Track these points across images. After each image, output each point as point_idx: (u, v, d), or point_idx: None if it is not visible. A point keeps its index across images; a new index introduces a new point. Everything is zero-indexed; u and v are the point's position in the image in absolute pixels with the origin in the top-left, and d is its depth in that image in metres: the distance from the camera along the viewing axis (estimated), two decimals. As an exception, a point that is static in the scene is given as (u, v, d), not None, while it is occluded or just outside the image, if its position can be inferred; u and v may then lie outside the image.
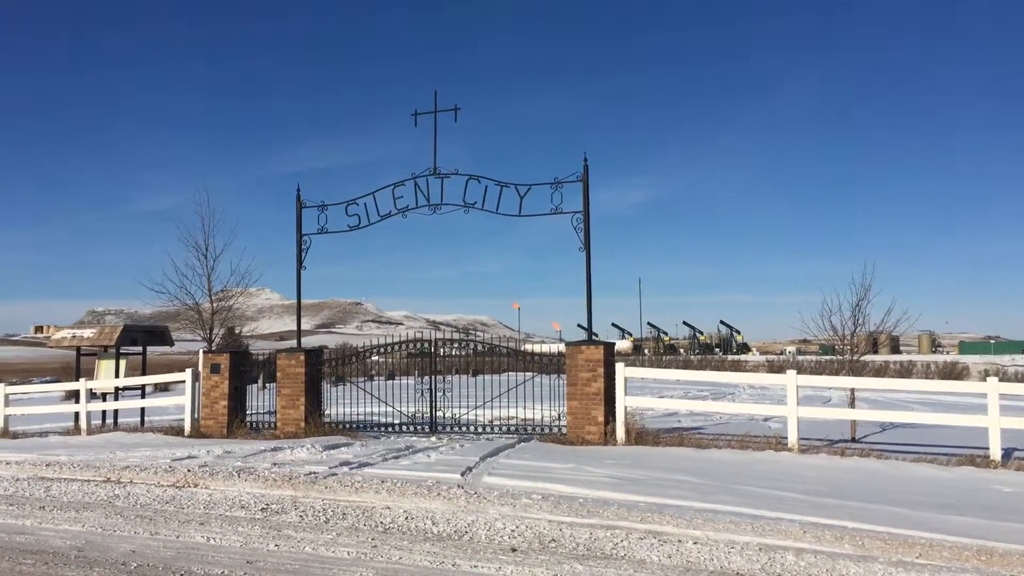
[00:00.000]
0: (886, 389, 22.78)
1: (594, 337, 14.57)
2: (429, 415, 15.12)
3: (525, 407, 15.28)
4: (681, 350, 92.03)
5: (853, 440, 13.73)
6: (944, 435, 13.67)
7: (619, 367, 13.48)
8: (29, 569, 6.63)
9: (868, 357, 21.74)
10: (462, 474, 10.18)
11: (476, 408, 15.10)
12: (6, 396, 19.49)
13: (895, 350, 71.49)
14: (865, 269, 14.89)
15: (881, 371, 34.74)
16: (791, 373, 12.65)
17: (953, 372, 39.89)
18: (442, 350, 15.89)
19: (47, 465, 12.01)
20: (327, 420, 15.69)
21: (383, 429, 15.50)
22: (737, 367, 46.27)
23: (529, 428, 14.77)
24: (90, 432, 17.26)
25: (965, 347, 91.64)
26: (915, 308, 15.23)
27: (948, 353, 78.98)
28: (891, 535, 7.05)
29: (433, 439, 14.18)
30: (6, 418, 18.96)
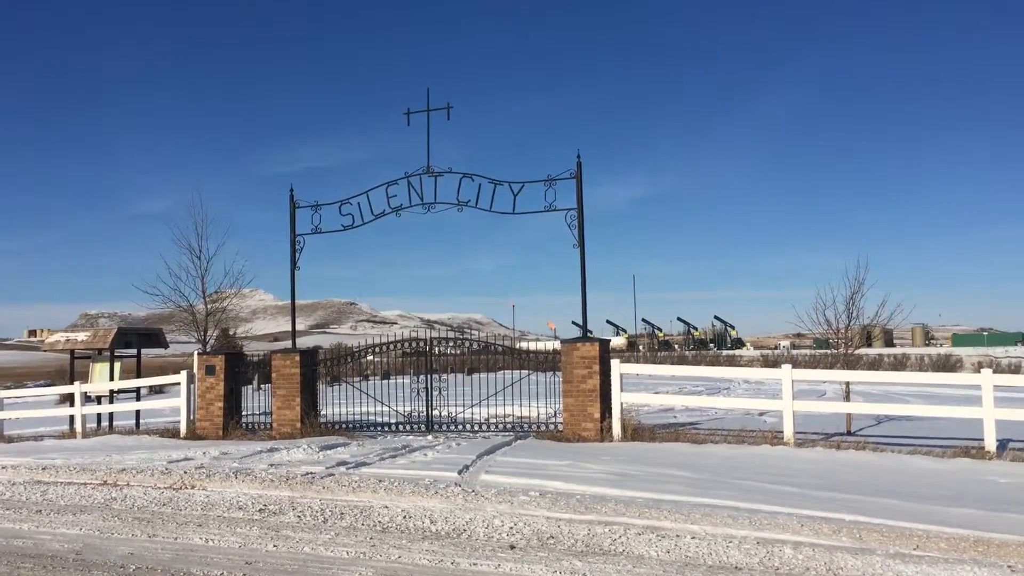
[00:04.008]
0: (881, 382, 22.86)
1: (589, 334, 14.56)
2: (425, 414, 15.11)
3: (521, 405, 15.28)
4: (676, 346, 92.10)
5: (849, 433, 13.77)
6: (939, 427, 13.73)
7: (614, 364, 13.49)
8: (28, 573, 6.61)
9: (862, 350, 21.75)
10: (459, 472, 10.18)
11: (472, 406, 15.09)
12: (1, 400, 19.46)
13: (889, 343, 71.55)
14: (859, 263, 14.98)
15: (875, 364, 34.80)
16: (786, 368, 12.68)
17: (947, 364, 40.00)
18: (437, 349, 15.88)
19: (43, 469, 11.97)
20: (323, 420, 15.67)
21: (379, 429, 15.49)
22: (732, 362, 46.31)
23: (526, 426, 14.78)
24: (85, 435, 17.21)
25: (958, 339, 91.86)
26: (908, 301, 15.32)
27: (941, 345, 79.17)
28: (888, 527, 7.08)
29: (430, 438, 14.17)
30: (1, 422, 18.93)
